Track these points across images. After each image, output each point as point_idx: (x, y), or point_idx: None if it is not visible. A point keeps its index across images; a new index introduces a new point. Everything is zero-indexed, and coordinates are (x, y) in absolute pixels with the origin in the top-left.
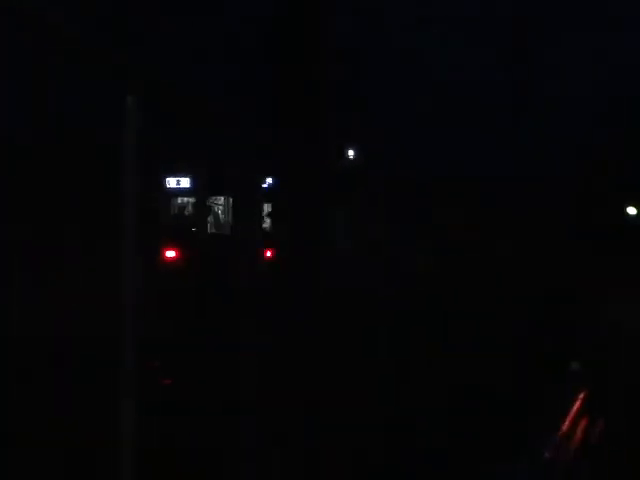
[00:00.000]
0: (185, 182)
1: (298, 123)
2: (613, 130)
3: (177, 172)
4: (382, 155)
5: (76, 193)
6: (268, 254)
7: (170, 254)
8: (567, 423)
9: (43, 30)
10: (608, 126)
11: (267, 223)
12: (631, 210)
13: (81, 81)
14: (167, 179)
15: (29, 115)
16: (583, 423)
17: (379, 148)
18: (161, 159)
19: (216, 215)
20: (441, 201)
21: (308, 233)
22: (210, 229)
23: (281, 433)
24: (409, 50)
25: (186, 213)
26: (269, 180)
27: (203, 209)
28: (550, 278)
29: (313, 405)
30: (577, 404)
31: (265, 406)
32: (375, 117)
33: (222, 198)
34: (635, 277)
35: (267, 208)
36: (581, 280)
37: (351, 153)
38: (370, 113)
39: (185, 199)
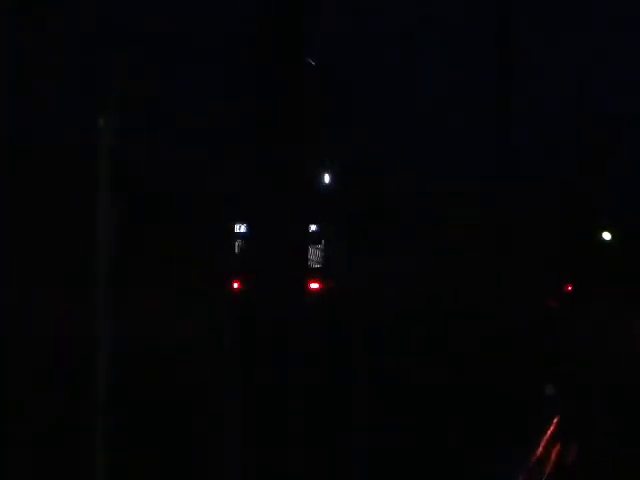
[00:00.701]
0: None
1: (278, 139)
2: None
3: (240, 220)
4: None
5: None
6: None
7: (234, 285)
8: (540, 448)
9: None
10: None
11: None
12: (606, 235)
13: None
14: (236, 225)
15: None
16: (557, 447)
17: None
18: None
19: None
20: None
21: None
22: None
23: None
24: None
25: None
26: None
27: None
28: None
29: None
30: (551, 428)
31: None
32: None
33: None
34: (606, 296)
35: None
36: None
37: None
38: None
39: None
